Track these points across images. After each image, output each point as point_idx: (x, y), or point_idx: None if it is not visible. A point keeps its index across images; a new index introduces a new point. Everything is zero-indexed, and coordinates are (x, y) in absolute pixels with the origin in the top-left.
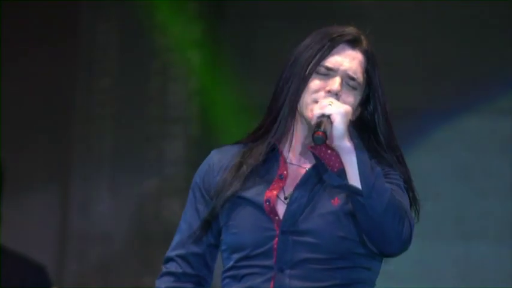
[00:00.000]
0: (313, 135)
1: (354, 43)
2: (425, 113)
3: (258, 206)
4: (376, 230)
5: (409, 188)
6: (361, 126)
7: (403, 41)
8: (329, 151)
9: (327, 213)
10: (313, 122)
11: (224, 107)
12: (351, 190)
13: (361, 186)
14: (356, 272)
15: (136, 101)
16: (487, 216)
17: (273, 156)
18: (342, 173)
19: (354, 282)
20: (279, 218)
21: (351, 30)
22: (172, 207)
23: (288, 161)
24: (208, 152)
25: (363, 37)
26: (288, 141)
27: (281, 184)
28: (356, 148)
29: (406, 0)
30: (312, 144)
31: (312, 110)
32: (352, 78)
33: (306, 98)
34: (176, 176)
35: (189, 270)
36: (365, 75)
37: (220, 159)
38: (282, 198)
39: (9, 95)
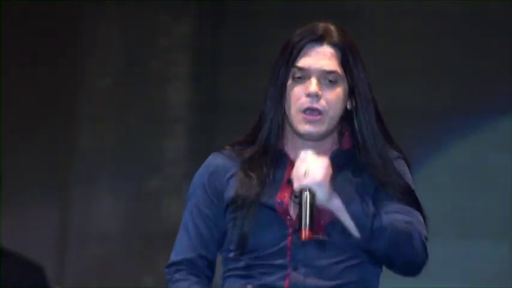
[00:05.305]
0: (299, 232)
1: (320, 39)
2: (425, 113)
3: (270, 208)
4: (388, 262)
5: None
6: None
7: (403, 40)
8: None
9: None
10: (295, 193)
11: (224, 106)
12: (351, 244)
13: (360, 236)
14: (366, 268)
15: (136, 101)
16: (487, 216)
17: (280, 160)
18: (335, 223)
19: (366, 278)
20: (291, 217)
21: (315, 28)
22: (172, 207)
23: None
24: (208, 153)
25: (331, 30)
26: (290, 142)
27: (290, 187)
28: (344, 200)
29: (406, 0)
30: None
31: (300, 126)
32: (329, 72)
33: (292, 110)
34: (176, 176)
35: (197, 272)
36: (341, 67)
37: (224, 164)
38: (293, 198)
39: (9, 95)
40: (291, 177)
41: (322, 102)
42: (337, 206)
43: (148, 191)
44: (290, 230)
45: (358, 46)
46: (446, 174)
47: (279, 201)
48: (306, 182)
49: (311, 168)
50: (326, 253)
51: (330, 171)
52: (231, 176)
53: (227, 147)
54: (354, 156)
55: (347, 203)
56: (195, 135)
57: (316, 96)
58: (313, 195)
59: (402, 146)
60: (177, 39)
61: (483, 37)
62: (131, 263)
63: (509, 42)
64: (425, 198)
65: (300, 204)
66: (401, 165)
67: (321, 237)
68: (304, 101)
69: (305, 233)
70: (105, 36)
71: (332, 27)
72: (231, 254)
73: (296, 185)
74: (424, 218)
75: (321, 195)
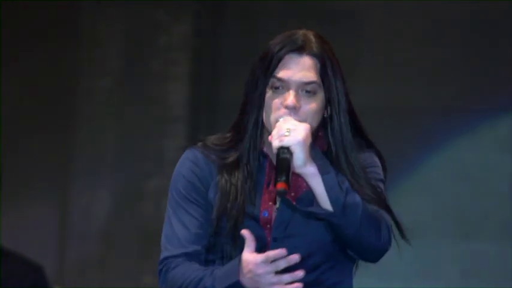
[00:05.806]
0: (275, 184)
1: (300, 50)
2: (425, 113)
3: (253, 218)
4: (356, 242)
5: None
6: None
7: (403, 40)
8: (295, 177)
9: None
10: (274, 151)
11: (224, 106)
12: (322, 215)
13: (332, 208)
14: (342, 273)
15: (136, 100)
16: (488, 216)
17: (260, 160)
18: (306, 198)
19: (341, 281)
20: (270, 226)
21: (294, 37)
22: None
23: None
24: None
25: (310, 39)
26: (268, 145)
27: (272, 192)
28: (320, 171)
29: (406, 0)
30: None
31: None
32: (307, 83)
33: (270, 119)
34: None
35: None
36: (320, 77)
37: (205, 161)
38: (274, 206)
39: (9, 95)
40: (270, 139)
41: (301, 113)
42: (313, 172)
43: (148, 191)
44: (269, 239)
45: (358, 46)
46: (446, 174)
47: (264, 212)
48: (287, 140)
49: (293, 128)
50: (305, 259)
51: (310, 138)
52: (213, 177)
53: (200, 144)
54: (328, 158)
55: (322, 173)
56: (195, 135)
57: (294, 109)
58: (291, 155)
59: (402, 146)
60: (177, 39)
61: (483, 37)
62: (131, 263)
63: (510, 43)
64: (425, 198)
65: (277, 157)
66: (371, 158)
67: (292, 202)
68: (283, 113)
69: (280, 185)
70: (105, 36)
71: (312, 36)
72: (210, 257)
73: (276, 143)
74: (394, 221)
75: (300, 155)
